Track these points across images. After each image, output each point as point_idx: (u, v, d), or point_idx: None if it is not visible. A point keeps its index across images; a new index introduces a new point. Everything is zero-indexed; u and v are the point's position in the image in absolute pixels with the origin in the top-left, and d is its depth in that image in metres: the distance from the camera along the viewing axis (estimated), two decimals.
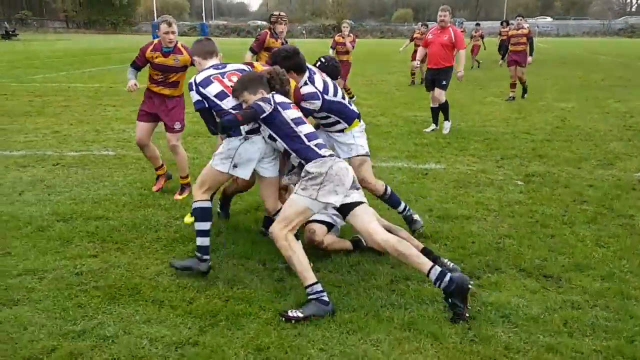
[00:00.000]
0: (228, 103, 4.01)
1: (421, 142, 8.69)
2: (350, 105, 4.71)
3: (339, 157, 4.00)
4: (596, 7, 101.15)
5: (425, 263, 3.51)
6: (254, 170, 4.10)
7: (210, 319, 3.56)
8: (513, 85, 13.52)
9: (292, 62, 4.35)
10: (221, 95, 4.03)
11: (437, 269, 3.49)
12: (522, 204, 5.73)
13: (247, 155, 3.98)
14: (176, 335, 3.36)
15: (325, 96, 4.45)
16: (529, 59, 13.35)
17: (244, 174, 4.06)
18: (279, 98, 3.88)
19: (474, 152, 8.04)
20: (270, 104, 3.76)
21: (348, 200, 3.71)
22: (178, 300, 3.77)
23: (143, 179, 6.52)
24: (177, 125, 5.85)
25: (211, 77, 4.11)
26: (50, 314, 3.58)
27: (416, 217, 4.95)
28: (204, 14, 35.15)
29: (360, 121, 4.78)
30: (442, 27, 9.10)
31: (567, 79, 18.40)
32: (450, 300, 3.49)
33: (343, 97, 4.63)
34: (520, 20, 13.68)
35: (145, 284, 3.89)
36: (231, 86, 4.02)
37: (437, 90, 9.18)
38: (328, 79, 4.63)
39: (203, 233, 4.07)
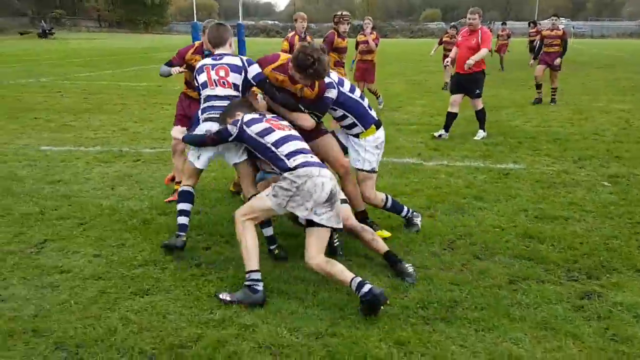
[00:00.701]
0: (205, 93, 4.37)
1: (490, 141, 8.62)
2: (370, 109, 4.72)
3: (323, 167, 3.88)
4: (630, 8, 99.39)
5: (347, 276, 3.60)
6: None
7: (339, 311, 3.59)
8: (539, 87, 12.91)
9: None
10: (203, 85, 4.38)
11: (357, 280, 3.56)
12: (617, 205, 5.65)
13: (206, 149, 4.30)
14: (312, 326, 3.39)
15: (341, 88, 4.54)
16: (558, 60, 12.55)
17: (201, 164, 4.39)
18: (248, 117, 4.02)
19: (548, 152, 7.96)
20: (236, 126, 3.98)
21: (316, 219, 3.72)
22: (302, 293, 3.79)
23: (227, 175, 6.58)
24: None
25: (203, 67, 4.42)
26: (184, 303, 3.64)
27: (417, 220, 5.01)
28: (240, 14, 35.25)
29: (377, 131, 4.73)
30: (472, 30, 8.62)
31: (618, 81, 18.10)
32: (361, 306, 3.54)
33: (362, 98, 4.68)
34: (555, 20, 12.97)
35: (265, 277, 3.92)
36: (214, 80, 4.33)
37: (472, 101, 8.79)
38: (345, 78, 4.77)
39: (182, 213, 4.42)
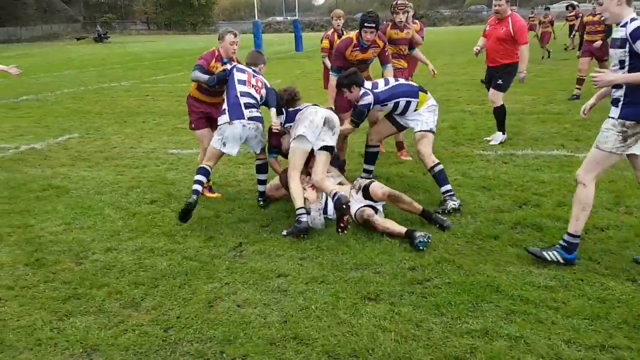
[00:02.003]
0: (241, 88, 5.40)
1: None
2: (407, 80, 5.73)
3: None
4: None
5: (333, 190, 4.88)
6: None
7: (606, 321, 3.33)
8: (580, 82, 11.27)
9: (351, 79, 5.42)
10: (240, 81, 5.42)
11: (336, 194, 4.79)
12: None
13: (232, 136, 5.31)
14: (590, 338, 3.16)
15: (375, 90, 5.39)
16: (598, 42, 11.16)
17: (231, 151, 5.38)
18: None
19: None
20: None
21: (320, 143, 5.07)
22: (549, 301, 3.58)
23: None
24: None
25: (245, 71, 5.55)
26: (427, 310, 3.53)
27: (452, 202, 5.20)
28: (296, 11, 35.29)
29: (427, 95, 5.49)
30: (500, 18, 7.45)
31: None
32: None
33: (396, 80, 5.54)
34: (597, 4, 11.27)
35: (505, 282, 3.79)
36: (253, 84, 5.49)
37: (491, 91, 7.72)
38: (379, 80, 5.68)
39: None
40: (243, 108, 5.29)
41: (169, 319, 3.59)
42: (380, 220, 4.77)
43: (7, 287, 4.11)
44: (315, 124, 5.06)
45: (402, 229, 4.60)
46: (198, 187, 5.27)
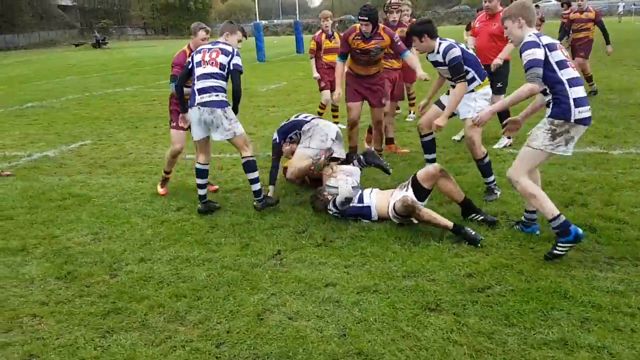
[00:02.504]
0: (198, 71, 5.35)
1: None
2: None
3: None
4: None
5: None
6: None
7: None
8: (589, 79, 10.88)
9: (424, 27, 5.19)
10: (197, 64, 5.36)
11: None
12: None
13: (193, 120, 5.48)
14: None
15: (460, 45, 5.25)
16: (608, 48, 10.93)
17: (195, 135, 5.57)
18: None
19: None
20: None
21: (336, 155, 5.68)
22: (624, 307, 3.36)
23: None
24: None
25: (201, 49, 5.52)
26: (496, 320, 3.33)
27: (497, 191, 5.41)
28: (297, 12, 35.18)
29: (488, 82, 5.39)
30: (490, 15, 7.20)
31: None
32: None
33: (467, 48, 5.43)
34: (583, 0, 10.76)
35: (571, 288, 3.59)
36: (206, 60, 5.36)
37: (494, 97, 7.15)
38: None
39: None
40: (196, 94, 5.26)
41: (218, 333, 3.39)
42: (424, 210, 4.58)
43: (40, 303, 3.91)
44: (330, 138, 5.73)
45: (449, 223, 4.46)
46: (201, 191, 5.54)
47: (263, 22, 27.35)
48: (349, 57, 6.46)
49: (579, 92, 3.91)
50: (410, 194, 4.84)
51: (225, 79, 5.32)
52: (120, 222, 5.45)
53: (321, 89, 9.22)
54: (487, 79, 5.38)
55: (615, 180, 5.70)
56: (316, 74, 9.12)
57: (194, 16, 79.20)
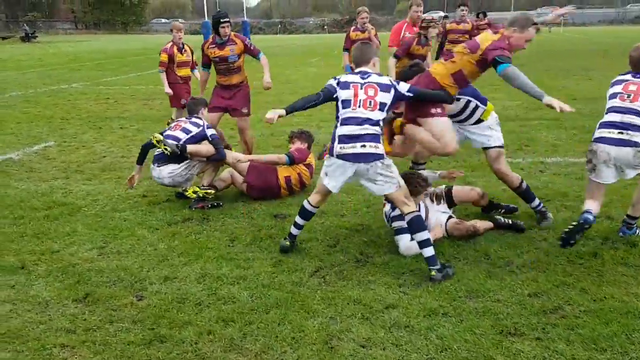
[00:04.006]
0: (345, 114, 4.10)
1: None
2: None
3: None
4: None
5: None
6: None
7: None
8: None
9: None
10: (345, 103, 4.11)
11: None
12: None
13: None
14: None
15: None
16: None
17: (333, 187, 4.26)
18: None
19: None
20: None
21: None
22: None
23: None
24: None
25: (350, 84, 4.14)
26: (585, 345, 3.17)
27: (550, 214, 4.93)
28: (244, 12, 34.64)
29: (492, 106, 4.90)
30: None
31: None
32: None
33: None
34: (465, 11, 10.46)
35: None
36: (361, 100, 4.08)
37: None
38: None
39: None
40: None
41: None
42: (479, 223, 4.64)
43: (66, 331, 3.45)
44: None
45: (490, 223, 4.71)
46: (295, 231, 4.60)
47: (202, 20, 26.67)
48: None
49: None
50: (447, 210, 4.70)
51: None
52: (125, 234, 4.98)
53: (173, 105, 8.76)
54: (489, 104, 4.88)
55: (625, 190, 5.72)
56: (168, 90, 8.51)
57: (128, 11, 76.99)
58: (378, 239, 4.73)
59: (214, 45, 6.67)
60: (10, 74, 21.18)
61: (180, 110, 8.39)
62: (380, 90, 4.07)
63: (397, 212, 4.33)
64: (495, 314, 3.49)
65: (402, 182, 4.13)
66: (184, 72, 8.52)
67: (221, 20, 6.56)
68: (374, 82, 4.10)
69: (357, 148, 3.98)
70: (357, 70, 4.25)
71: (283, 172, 5.82)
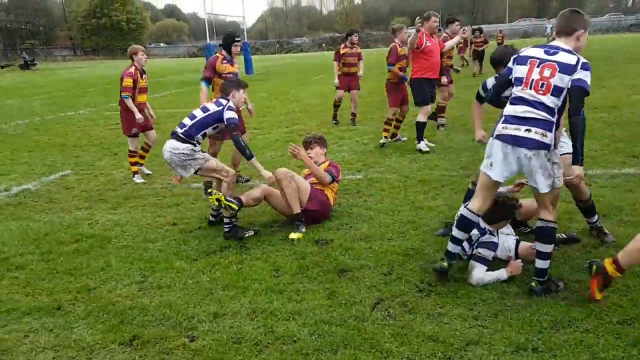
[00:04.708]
0: (515, 92, 3.77)
1: None
2: None
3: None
4: (593, 4, 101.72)
5: None
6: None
7: None
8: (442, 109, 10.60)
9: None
10: (517, 81, 3.77)
11: None
12: None
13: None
14: None
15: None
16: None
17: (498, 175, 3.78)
18: None
19: None
20: None
21: None
22: None
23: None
24: None
25: (528, 59, 3.73)
26: None
27: (607, 231, 4.67)
28: (245, 34, 34.57)
29: None
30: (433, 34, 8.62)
31: None
32: None
33: None
34: (457, 27, 10.06)
35: None
36: (532, 80, 3.65)
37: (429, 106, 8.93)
38: None
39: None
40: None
41: None
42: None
43: None
44: None
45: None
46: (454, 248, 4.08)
47: (213, 42, 26.56)
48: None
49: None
50: (511, 231, 4.42)
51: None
52: (162, 267, 4.68)
53: (126, 133, 7.91)
54: None
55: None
56: (139, 115, 7.59)
57: (126, 36, 77.25)
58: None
59: (226, 62, 7.02)
60: (14, 101, 21.02)
61: (134, 139, 7.77)
62: (559, 72, 3.54)
63: (487, 238, 4.08)
64: (589, 347, 3.18)
65: (560, 183, 3.72)
66: (143, 98, 7.79)
67: (235, 39, 7.09)
68: (555, 61, 3.58)
69: (520, 131, 3.57)
70: (551, 42, 3.79)
71: (330, 193, 5.54)
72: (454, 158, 8.01)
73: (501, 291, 3.91)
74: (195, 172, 5.33)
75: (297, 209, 5.17)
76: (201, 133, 5.30)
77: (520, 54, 3.81)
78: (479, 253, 4.06)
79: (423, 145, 8.51)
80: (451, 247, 3.99)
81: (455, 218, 4.14)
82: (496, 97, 4.14)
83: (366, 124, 11.60)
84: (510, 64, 3.86)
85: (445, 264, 3.97)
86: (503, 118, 3.72)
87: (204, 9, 28.14)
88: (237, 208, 5.06)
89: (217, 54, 7.10)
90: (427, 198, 6.12)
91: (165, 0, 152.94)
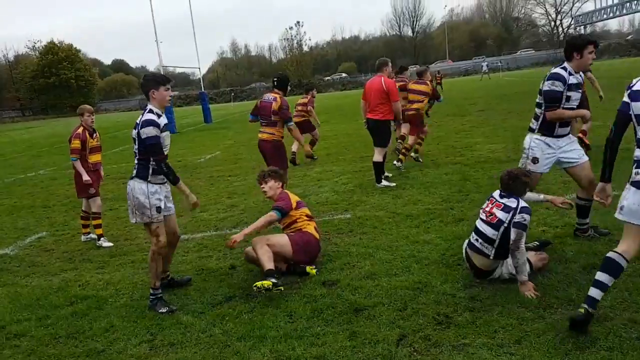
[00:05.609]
0: None
1: None
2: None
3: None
4: (527, 39, 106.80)
5: None
6: None
7: None
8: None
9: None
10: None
11: None
12: None
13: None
14: None
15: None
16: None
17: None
18: None
19: None
20: None
21: None
22: None
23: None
24: None
25: None
26: None
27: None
28: (201, 84, 34.68)
29: None
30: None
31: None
32: None
33: None
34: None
35: None
36: None
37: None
38: None
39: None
40: None
41: None
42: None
43: None
44: None
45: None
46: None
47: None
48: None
49: None
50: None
51: None
52: (170, 323, 4.57)
53: (80, 196, 7.68)
54: None
55: None
56: (86, 177, 7.39)
57: (75, 94, 76.37)
58: (447, 296, 4.46)
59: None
60: None
61: (89, 201, 7.51)
62: None
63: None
64: None
65: None
66: (95, 158, 7.61)
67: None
68: None
69: None
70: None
71: (309, 227, 5.50)
72: (433, 192, 8.15)
73: (517, 317, 3.96)
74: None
75: (269, 266, 4.98)
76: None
77: (633, 89, 3.47)
78: (524, 219, 4.35)
79: (385, 182, 8.87)
80: (594, 292, 3.55)
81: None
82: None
83: (341, 165, 11.72)
84: (625, 98, 3.53)
85: (582, 311, 3.56)
86: (635, 163, 3.46)
87: (160, 60, 27.95)
88: (275, 281, 4.81)
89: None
90: (420, 232, 6.19)
91: (113, 55, 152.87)
